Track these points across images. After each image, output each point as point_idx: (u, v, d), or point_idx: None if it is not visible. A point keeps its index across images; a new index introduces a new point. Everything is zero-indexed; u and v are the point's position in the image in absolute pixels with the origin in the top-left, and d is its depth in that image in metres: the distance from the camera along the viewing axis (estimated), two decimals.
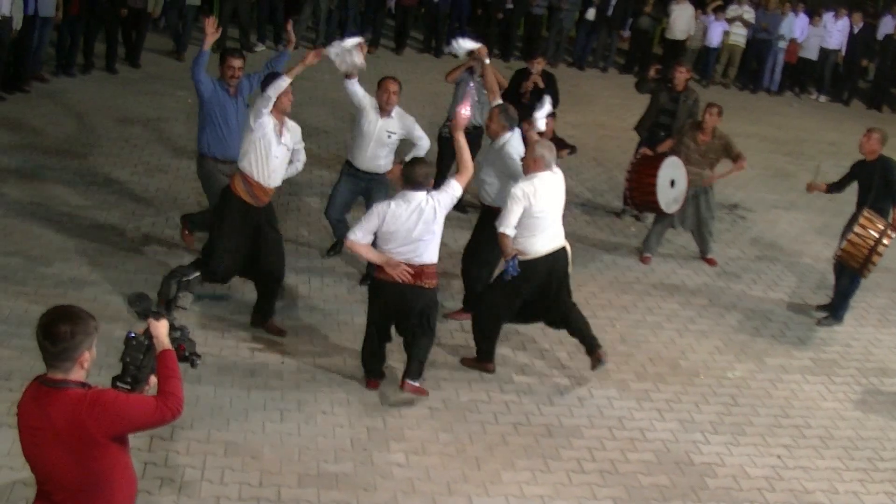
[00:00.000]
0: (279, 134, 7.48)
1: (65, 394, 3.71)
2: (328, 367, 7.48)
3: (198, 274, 4.41)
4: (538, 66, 10.68)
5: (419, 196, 6.76)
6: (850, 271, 9.13)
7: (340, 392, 7.17)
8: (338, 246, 9.27)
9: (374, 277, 7.03)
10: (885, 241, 8.74)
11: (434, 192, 6.84)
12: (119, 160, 11.04)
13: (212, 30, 8.26)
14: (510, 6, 18.54)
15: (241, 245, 7.59)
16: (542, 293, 7.53)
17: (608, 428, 7.23)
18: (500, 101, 8.47)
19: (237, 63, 8.41)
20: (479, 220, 8.49)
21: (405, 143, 8.87)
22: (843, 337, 9.25)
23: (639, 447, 7.04)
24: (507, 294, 7.50)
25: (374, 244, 6.94)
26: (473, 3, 19.17)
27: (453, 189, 6.86)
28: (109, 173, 10.59)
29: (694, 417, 7.52)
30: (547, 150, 7.39)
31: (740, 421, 7.56)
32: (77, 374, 3.76)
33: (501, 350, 7.98)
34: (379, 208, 6.80)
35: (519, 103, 9.63)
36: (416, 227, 6.74)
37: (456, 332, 8.21)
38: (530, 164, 7.41)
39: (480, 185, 8.24)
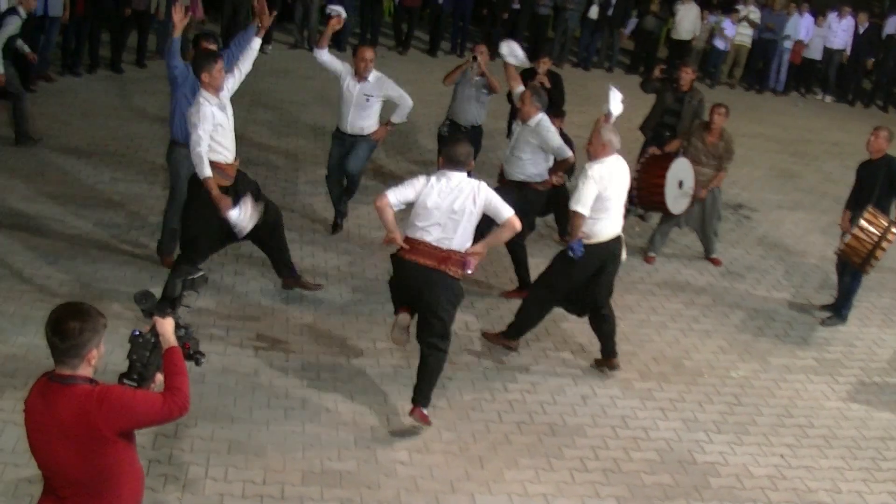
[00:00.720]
0: (223, 108, 7.54)
1: (73, 389, 3.74)
2: (332, 365, 7.49)
3: (202, 273, 4.41)
4: (544, 66, 10.73)
5: (459, 176, 6.59)
6: (851, 269, 9.13)
7: (344, 390, 7.18)
8: (339, 224, 9.79)
9: (400, 257, 6.72)
10: (888, 237, 8.74)
11: (482, 183, 6.65)
12: (124, 159, 11.08)
13: (180, 16, 8.13)
14: (516, 6, 18.54)
15: (224, 227, 7.60)
16: (594, 277, 7.59)
17: (611, 427, 7.24)
18: (521, 87, 9.04)
19: (212, 46, 8.41)
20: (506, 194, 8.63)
21: (389, 107, 9.36)
22: (847, 337, 9.25)
23: (642, 446, 7.05)
24: (562, 274, 7.58)
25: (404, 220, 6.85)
26: (479, 3, 19.18)
27: (506, 206, 6.64)
28: (115, 172, 10.63)
29: (697, 417, 7.53)
30: (613, 135, 7.42)
31: (744, 420, 7.56)
32: (85, 371, 3.79)
33: (504, 349, 8.01)
34: (419, 181, 6.63)
35: None
36: (453, 209, 6.52)
37: (460, 331, 8.22)
38: (599, 150, 7.40)
39: (516, 163, 8.57)
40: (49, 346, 3.76)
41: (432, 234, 6.57)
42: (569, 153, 8.59)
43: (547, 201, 9.07)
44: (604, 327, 7.85)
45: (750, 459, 7.06)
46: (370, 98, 9.20)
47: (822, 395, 8.12)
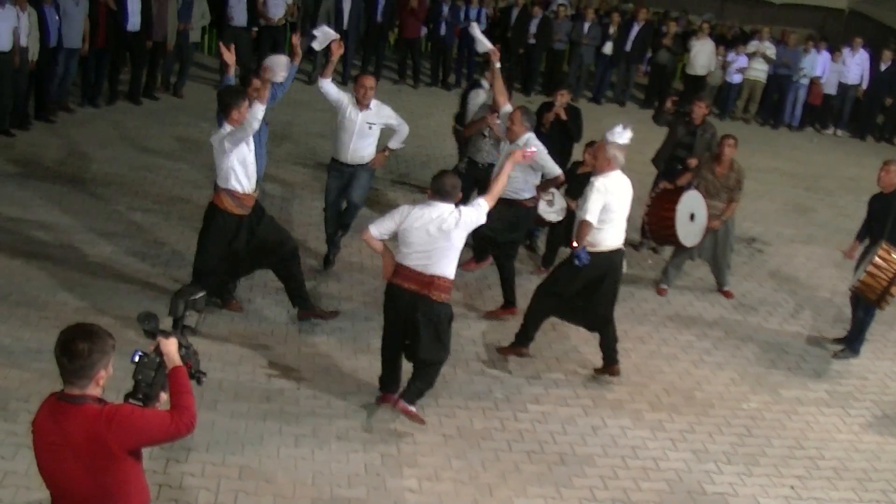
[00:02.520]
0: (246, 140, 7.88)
1: (82, 409, 3.79)
2: (343, 393, 7.52)
3: (204, 293, 4.48)
4: (562, 98, 10.77)
5: (444, 206, 6.85)
6: (865, 304, 9.12)
7: (355, 418, 7.22)
8: (331, 259, 9.69)
9: (388, 282, 7.05)
10: None
11: (461, 206, 6.93)
12: (141, 189, 11.18)
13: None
14: (532, 41, 18.67)
15: (237, 251, 8.01)
16: (594, 287, 7.88)
17: (621, 457, 7.23)
18: (509, 106, 9.01)
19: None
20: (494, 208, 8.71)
21: (386, 134, 9.44)
22: (860, 370, 9.22)
23: (652, 476, 7.04)
24: (565, 281, 7.90)
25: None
26: (493, 39, 19.25)
27: (481, 206, 6.94)
28: (131, 202, 10.73)
29: (707, 448, 7.51)
30: (619, 151, 7.75)
31: (754, 451, 7.54)
32: (93, 391, 3.84)
33: (515, 380, 8.05)
34: (402, 209, 6.96)
35: (539, 133, 9.68)
36: (434, 235, 6.79)
37: (472, 362, 8.25)
38: (604, 165, 7.77)
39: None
40: (58, 366, 3.81)
41: (413, 260, 6.87)
42: (558, 171, 8.89)
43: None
44: (608, 337, 8.15)
45: (760, 490, 7.04)
46: (372, 126, 9.24)
47: (834, 428, 8.09)
